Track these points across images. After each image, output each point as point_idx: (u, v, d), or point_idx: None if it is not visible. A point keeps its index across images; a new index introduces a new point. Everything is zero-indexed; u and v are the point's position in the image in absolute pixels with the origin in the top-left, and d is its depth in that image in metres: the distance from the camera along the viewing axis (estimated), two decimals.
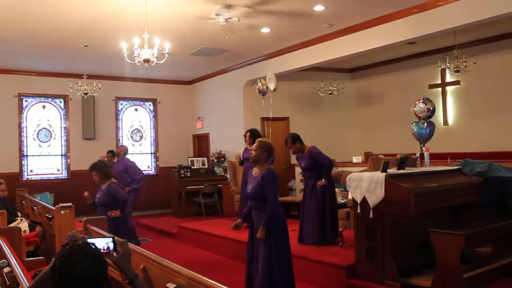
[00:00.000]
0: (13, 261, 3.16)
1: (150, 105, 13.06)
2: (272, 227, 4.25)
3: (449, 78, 10.12)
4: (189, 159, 11.73)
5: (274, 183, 4.33)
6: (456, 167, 5.79)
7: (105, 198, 5.78)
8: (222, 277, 5.27)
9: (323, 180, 6.32)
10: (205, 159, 11.83)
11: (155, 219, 10.73)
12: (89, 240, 2.23)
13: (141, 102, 12.96)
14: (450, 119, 10.25)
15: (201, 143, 13.08)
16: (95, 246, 2.05)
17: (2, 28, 7.64)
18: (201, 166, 11.56)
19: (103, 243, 2.38)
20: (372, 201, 4.85)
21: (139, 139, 12.88)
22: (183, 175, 10.84)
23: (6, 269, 3.20)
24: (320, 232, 6.27)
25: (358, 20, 7.73)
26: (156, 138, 13.04)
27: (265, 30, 8.12)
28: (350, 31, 8.08)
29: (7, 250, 3.58)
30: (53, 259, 2.00)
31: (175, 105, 13.15)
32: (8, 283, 3.05)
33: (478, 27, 7.41)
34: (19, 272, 2.85)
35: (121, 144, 11.85)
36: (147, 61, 6.28)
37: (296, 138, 6.55)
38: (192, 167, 11.22)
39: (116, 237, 2.45)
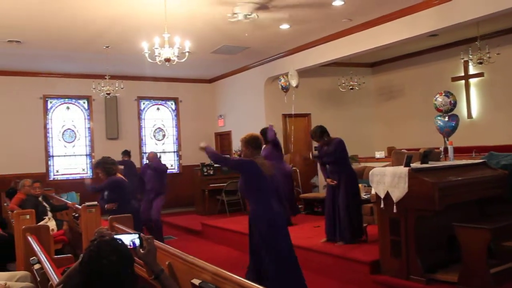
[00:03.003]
0: (43, 258, 3.24)
1: (171, 104, 13.18)
2: None
3: (472, 70, 9.95)
4: None
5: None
6: (481, 161, 5.70)
7: (110, 196, 5.86)
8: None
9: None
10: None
11: (179, 217, 10.83)
12: (116, 236, 2.28)
13: (163, 101, 13.08)
14: (474, 112, 10.08)
15: (223, 141, 13.14)
16: (122, 242, 2.09)
17: (26, 32, 7.81)
18: None
19: (129, 239, 2.43)
20: (396, 195, 4.81)
21: (161, 138, 13.01)
22: (206, 173, 10.86)
23: (37, 266, 3.28)
24: (350, 229, 6.05)
25: (378, 14, 7.66)
26: (178, 136, 13.15)
27: (285, 26, 8.11)
28: (370, 25, 8.01)
29: (36, 247, 3.66)
30: (81, 254, 2.05)
31: (197, 103, 13.23)
32: (38, 279, 3.13)
33: (502, 17, 7.25)
34: (49, 268, 2.92)
35: (144, 143, 11.95)
36: (168, 60, 6.35)
37: (323, 132, 6.23)
38: (215, 165, 11.21)
39: (142, 234, 2.50)
